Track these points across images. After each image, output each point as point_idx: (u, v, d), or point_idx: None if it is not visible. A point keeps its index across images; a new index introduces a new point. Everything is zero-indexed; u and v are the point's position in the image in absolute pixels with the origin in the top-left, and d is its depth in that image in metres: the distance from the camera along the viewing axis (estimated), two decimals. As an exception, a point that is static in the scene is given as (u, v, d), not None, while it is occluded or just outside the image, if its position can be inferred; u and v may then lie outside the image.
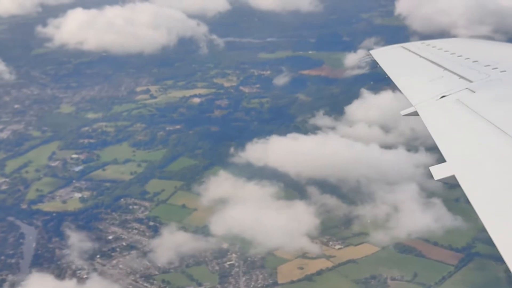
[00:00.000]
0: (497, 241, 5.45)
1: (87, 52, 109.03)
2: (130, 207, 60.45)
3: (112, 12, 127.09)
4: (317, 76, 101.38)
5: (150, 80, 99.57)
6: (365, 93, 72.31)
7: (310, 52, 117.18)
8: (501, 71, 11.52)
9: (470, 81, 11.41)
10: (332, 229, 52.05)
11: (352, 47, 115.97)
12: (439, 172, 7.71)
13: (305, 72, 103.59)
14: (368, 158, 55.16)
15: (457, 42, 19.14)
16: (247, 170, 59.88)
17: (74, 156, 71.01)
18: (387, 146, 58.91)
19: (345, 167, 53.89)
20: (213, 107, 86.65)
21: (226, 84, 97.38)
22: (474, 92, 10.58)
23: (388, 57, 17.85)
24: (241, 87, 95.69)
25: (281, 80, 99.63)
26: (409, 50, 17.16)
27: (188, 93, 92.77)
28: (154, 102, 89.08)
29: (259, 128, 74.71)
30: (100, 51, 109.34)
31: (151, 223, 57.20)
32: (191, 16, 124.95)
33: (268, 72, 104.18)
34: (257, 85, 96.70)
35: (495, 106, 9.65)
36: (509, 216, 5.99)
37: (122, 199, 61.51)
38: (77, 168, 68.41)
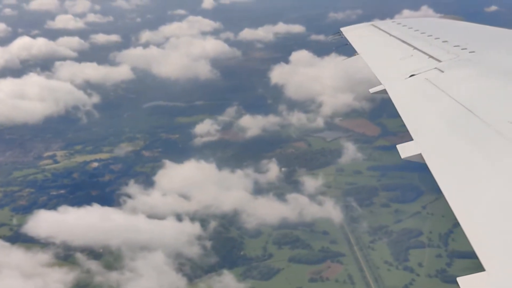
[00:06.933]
0: (462, 221, 5.42)
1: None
2: (-15, 269, 65.32)
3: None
4: (220, 140, 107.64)
5: (61, 145, 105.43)
6: (168, 163, 78.25)
7: (226, 115, 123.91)
8: (470, 52, 11.68)
9: (439, 61, 11.55)
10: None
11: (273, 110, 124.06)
12: (405, 150, 7.68)
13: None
14: (135, 228, 60.75)
15: (427, 22, 19.31)
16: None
17: (-46, 221, 76.15)
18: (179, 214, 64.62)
19: (111, 237, 59.36)
20: (105, 172, 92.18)
21: (131, 149, 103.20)
22: (442, 72, 10.73)
23: (358, 35, 18.07)
24: (143, 151, 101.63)
25: (185, 144, 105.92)
26: (379, 29, 17.45)
27: (90, 157, 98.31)
28: (54, 167, 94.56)
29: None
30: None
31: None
32: (92, 85, 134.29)
33: (177, 136, 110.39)
34: (159, 149, 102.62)
35: (463, 86, 9.74)
36: (475, 194, 6.00)
37: (-20, 262, 66.47)
38: (-48, 233, 73.39)
